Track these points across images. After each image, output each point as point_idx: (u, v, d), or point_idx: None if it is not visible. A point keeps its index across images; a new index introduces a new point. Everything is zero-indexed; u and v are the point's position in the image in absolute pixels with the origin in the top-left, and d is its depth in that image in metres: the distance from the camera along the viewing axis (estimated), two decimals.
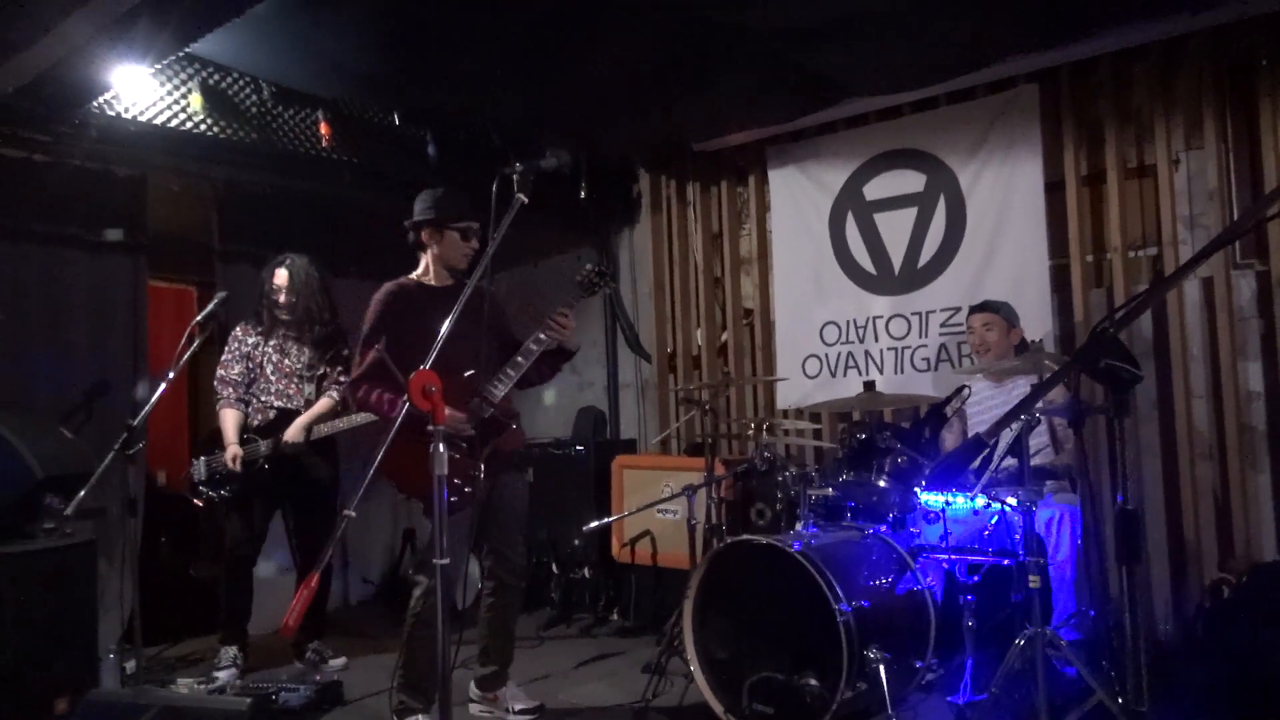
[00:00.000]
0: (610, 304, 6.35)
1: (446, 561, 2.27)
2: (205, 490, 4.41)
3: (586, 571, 5.35)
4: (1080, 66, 4.56)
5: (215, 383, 4.50)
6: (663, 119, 5.12)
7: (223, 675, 4.19)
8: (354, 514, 2.25)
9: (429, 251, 3.55)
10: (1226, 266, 4.21)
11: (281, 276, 4.47)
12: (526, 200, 2.74)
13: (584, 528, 4.71)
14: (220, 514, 4.51)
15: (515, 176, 2.75)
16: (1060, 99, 4.65)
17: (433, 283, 3.54)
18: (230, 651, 4.32)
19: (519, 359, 3.33)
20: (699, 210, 6.05)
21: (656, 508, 4.93)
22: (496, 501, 3.53)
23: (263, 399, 4.47)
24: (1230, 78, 4.25)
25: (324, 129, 4.77)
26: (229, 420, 4.41)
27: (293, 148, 4.74)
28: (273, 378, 4.48)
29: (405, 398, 3.15)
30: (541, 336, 3.35)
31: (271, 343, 4.50)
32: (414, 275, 3.58)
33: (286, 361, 4.49)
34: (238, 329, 4.56)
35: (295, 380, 4.49)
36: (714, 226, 6.01)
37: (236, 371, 4.47)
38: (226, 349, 4.55)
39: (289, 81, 4.53)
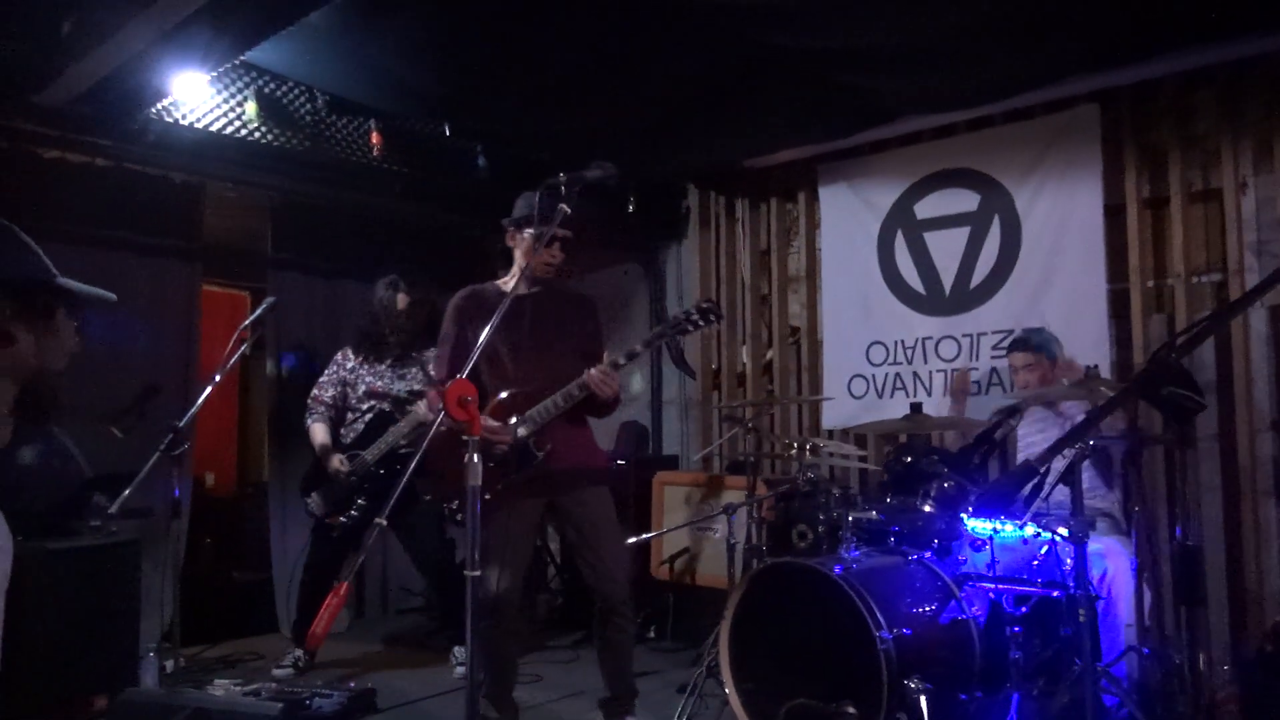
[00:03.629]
0: (655, 319, 6.32)
1: (478, 574, 2.24)
2: (340, 519, 4.50)
3: None
4: (1143, 87, 4.44)
5: (309, 400, 4.64)
6: (715, 139, 5.09)
7: (280, 674, 4.32)
8: (384, 522, 2.24)
9: (515, 255, 3.41)
10: None
11: (403, 301, 4.60)
12: (570, 211, 2.71)
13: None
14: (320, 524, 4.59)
15: (561, 187, 2.72)
16: (1122, 120, 4.53)
17: (515, 288, 3.28)
18: (297, 652, 4.46)
19: (558, 399, 3.20)
20: (748, 227, 6.00)
21: (696, 526, 4.86)
22: (577, 522, 3.38)
23: (350, 415, 4.62)
24: None
25: (375, 139, 4.83)
26: (319, 433, 4.54)
27: (345, 157, 4.80)
28: (362, 394, 4.62)
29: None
30: (574, 391, 3.20)
31: (365, 365, 4.63)
32: (499, 280, 3.46)
33: (380, 383, 4.62)
34: (339, 354, 4.70)
35: (379, 395, 4.63)
36: (762, 244, 5.95)
37: (330, 395, 4.62)
38: (326, 371, 4.70)
39: (342, 91, 4.58)
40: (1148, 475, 4.04)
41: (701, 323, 3.19)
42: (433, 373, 3.51)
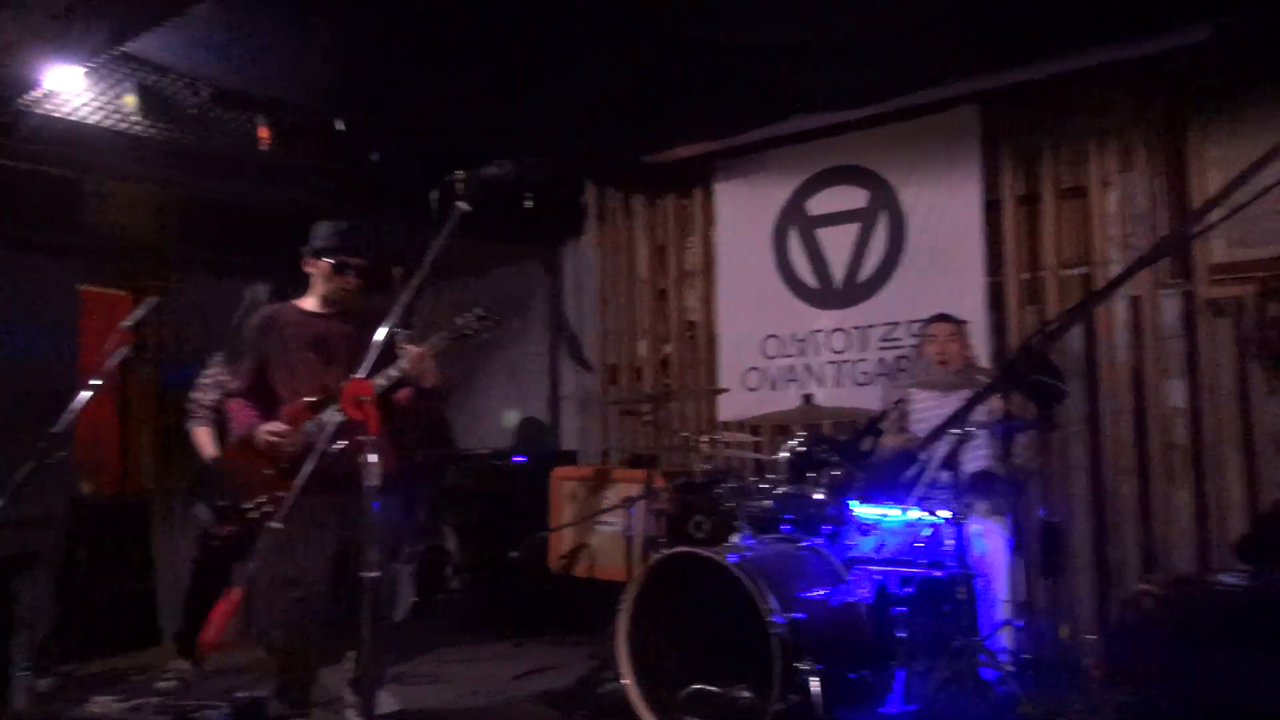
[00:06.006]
0: (553, 315, 6.34)
1: (377, 574, 2.24)
2: (229, 526, 4.37)
3: (524, 583, 5.30)
4: (1019, 89, 4.66)
5: (190, 403, 4.52)
6: (616, 133, 5.13)
7: (164, 687, 4.14)
8: (281, 526, 2.21)
9: (312, 279, 3.59)
10: (1154, 287, 4.33)
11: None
12: (469, 208, 2.70)
13: (522, 539, 4.67)
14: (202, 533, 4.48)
15: (458, 184, 2.71)
16: (1000, 120, 4.75)
17: (312, 309, 3.57)
18: (181, 664, 4.29)
19: (378, 381, 3.18)
20: (645, 223, 6.07)
21: (595, 520, 4.91)
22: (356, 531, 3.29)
23: None
24: (1160, 105, 4.38)
25: (263, 132, 4.69)
26: (203, 436, 4.44)
27: (233, 149, 4.65)
28: None
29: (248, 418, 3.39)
30: (392, 372, 3.25)
31: None
32: (298, 301, 3.61)
33: None
34: (219, 355, 4.59)
35: None
36: (659, 239, 6.03)
37: (211, 399, 4.49)
38: (203, 374, 4.56)
39: (227, 84, 4.44)
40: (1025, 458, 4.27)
41: (479, 329, 3.33)
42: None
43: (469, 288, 6.26)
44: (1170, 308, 4.33)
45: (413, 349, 3.24)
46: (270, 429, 3.32)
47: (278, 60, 4.09)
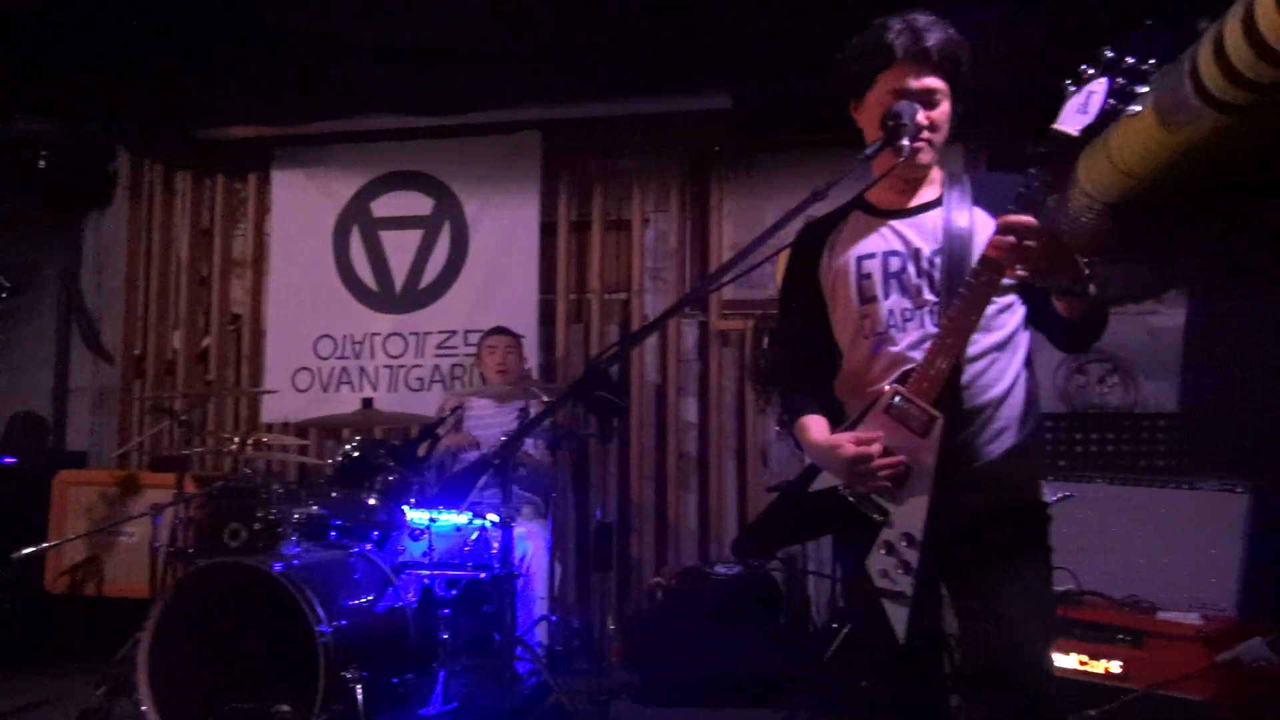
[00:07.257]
0: (66, 295, 5.52)
1: None
2: None
3: (13, 606, 4.53)
4: (578, 123, 5.07)
5: None
6: (162, 99, 4.62)
7: None
8: None
9: None
10: (678, 317, 4.94)
11: None
12: None
13: (11, 555, 3.99)
14: None
15: None
16: (559, 149, 5.11)
17: None
18: None
19: None
20: (189, 203, 5.55)
21: (109, 530, 4.36)
22: None
23: None
24: (692, 156, 5.04)
25: None
26: None
27: None
28: None
29: None
30: None
31: None
32: None
33: None
34: None
35: None
36: (204, 222, 5.56)
37: None
38: None
39: None
40: (566, 465, 4.62)
41: None
42: None
43: None
44: (689, 335, 4.98)
45: None
46: None
47: None
